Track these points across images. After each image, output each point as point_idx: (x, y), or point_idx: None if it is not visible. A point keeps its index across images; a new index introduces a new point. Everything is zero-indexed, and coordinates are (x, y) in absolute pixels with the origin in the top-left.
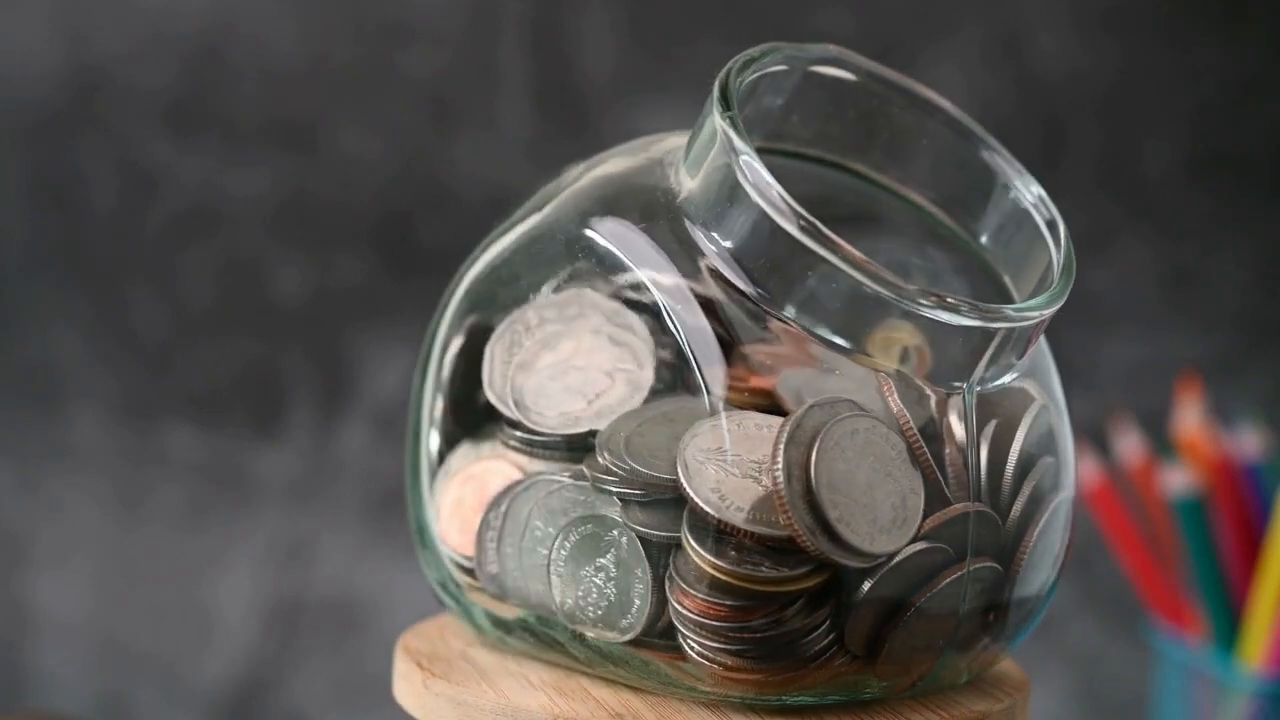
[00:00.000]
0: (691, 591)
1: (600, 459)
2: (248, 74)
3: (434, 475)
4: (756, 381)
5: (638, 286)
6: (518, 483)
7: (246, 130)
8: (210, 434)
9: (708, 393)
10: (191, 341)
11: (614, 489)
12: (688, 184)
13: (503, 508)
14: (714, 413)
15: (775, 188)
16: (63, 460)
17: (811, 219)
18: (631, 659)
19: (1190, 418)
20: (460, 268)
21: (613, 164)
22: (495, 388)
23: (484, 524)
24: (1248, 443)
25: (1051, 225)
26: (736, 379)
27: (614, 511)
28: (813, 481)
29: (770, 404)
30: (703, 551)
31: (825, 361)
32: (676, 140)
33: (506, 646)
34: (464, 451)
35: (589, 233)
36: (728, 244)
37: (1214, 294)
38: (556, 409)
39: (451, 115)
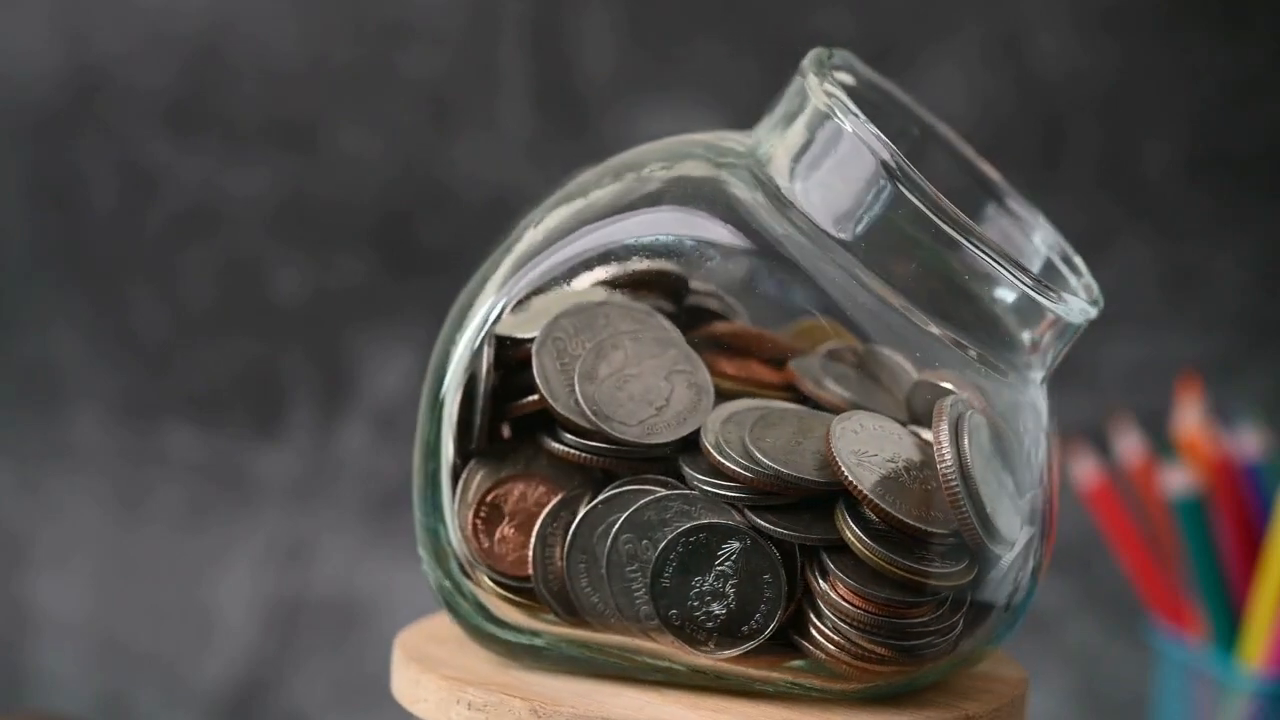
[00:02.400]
0: (859, 589)
1: (723, 465)
2: (248, 74)
3: (455, 489)
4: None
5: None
6: (578, 497)
7: (246, 130)
8: (210, 434)
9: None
10: (191, 341)
11: (742, 495)
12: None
13: (570, 524)
14: (843, 415)
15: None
16: (63, 460)
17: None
18: (714, 667)
19: (1190, 418)
20: (488, 272)
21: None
22: (560, 398)
23: (540, 541)
24: (1248, 443)
25: (1069, 261)
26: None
27: (728, 518)
28: (974, 477)
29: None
30: (876, 548)
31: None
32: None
33: (521, 658)
34: (487, 467)
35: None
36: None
37: (1214, 294)
38: (635, 418)
39: (451, 115)
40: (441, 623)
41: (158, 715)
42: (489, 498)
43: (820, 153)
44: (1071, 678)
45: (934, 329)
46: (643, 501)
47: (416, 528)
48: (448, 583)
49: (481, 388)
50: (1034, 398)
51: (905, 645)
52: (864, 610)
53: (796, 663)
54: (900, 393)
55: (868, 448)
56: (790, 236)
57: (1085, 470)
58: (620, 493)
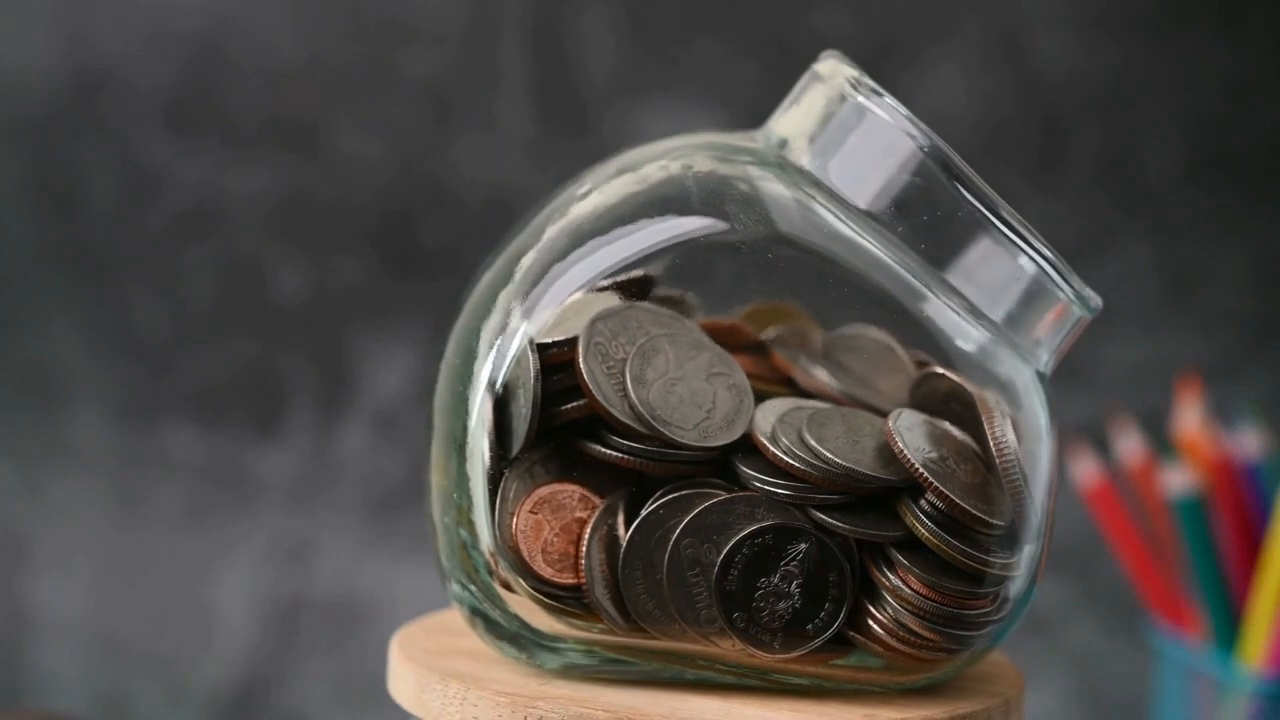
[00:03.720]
0: (932, 581)
1: (791, 465)
2: (248, 74)
3: (494, 497)
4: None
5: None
6: (623, 503)
7: (246, 130)
8: (210, 434)
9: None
10: (191, 341)
11: (807, 494)
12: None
13: (617, 530)
14: (895, 412)
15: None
16: (63, 460)
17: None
18: (769, 666)
19: (1190, 418)
20: (507, 270)
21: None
22: (614, 403)
23: (590, 548)
24: (1248, 443)
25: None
26: None
27: (791, 518)
28: (1024, 470)
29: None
30: (948, 539)
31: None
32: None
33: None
34: (525, 473)
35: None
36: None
37: (1214, 294)
38: (689, 421)
39: (451, 115)
40: (437, 620)
41: (158, 715)
42: (530, 505)
43: (848, 138)
44: (1071, 678)
45: (969, 308)
46: (705, 505)
47: (435, 537)
48: (475, 592)
49: (530, 394)
50: (1044, 389)
51: (962, 635)
52: (933, 601)
53: (845, 659)
54: (890, 378)
55: (923, 443)
56: (830, 225)
57: (1085, 470)
58: (679, 497)
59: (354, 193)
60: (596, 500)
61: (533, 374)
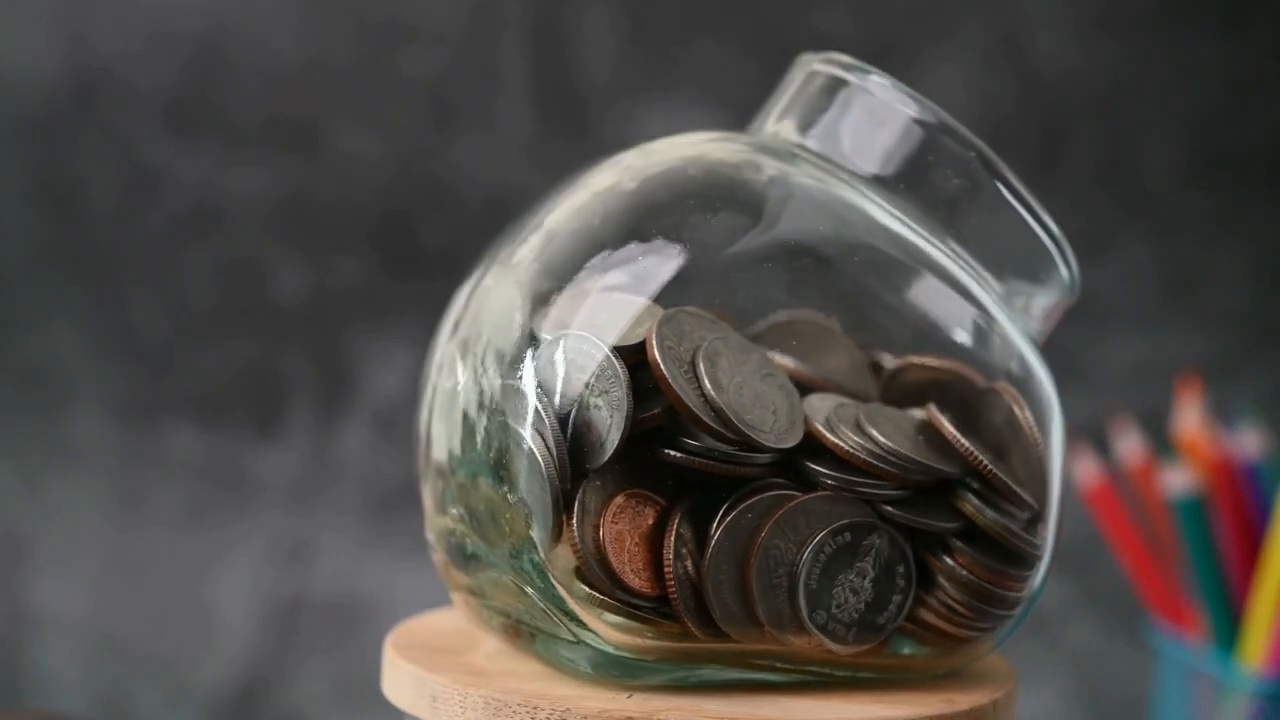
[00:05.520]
0: (992, 566)
1: (869, 463)
2: (248, 74)
3: (572, 510)
4: None
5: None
6: (698, 508)
7: (246, 130)
8: (210, 434)
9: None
10: (191, 341)
11: (878, 490)
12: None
13: (695, 535)
14: (932, 405)
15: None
16: (63, 460)
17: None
18: (838, 661)
19: (1190, 418)
20: (561, 273)
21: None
22: (697, 406)
23: (677, 555)
24: (1248, 443)
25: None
26: None
27: (862, 514)
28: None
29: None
30: (1005, 524)
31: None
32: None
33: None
34: (600, 482)
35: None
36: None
37: (1214, 294)
38: (765, 423)
39: (451, 115)
40: (432, 619)
41: (158, 715)
42: (610, 516)
43: (846, 117)
44: (1071, 678)
45: (984, 279)
46: (791, 505)
47: (481, 555)
48: (536, 608)
49: (620, 403)
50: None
51: (1001, 615)
52: (987, 584)
53: (891, 648)
54: (836, 358)
55: (962, 433)
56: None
57: (1085, 470)
58: (764, 498)
59: (354, 193)
60: (661, 506)
61: (624, 383)
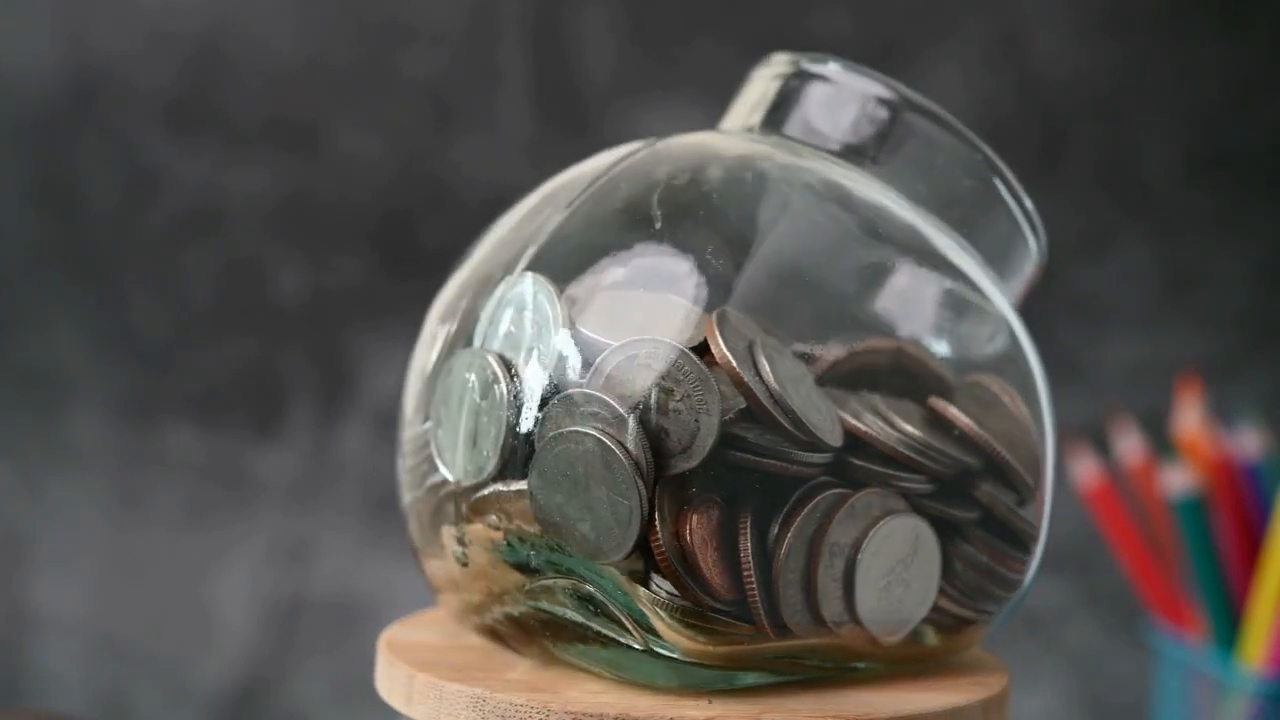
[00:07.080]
0: (1007, 552)
1: (914, 459)
2: (248, 74)
3: (652, 519)
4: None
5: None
6: (762, 509)
7: (246, 130)
8: (210, 434)
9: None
10: (191, 341)
11: (917, 484)
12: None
13: (784, 535)
14: (944, 403)
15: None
16: (63, 460)
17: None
18: (871, 653)
19: (1190, 418)
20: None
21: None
22: (769, 404)
23: (754, 558)
24: (1248, 443)
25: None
26: None
27: (904, 507)
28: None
29: None
30: (1018, 511)
31: None
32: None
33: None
34: (669, 490)
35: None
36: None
37: (1214, 294)
38: (825, 422)
39: (451, 115)
40: (427, 619)
41: (158, 715)
42: (693, 519)
43: (822, 105)
44: (1071, 678)
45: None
46: (852, 501)
47: (542, 570)
48: (602, 615)
49: (710, 404)
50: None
51: (1006, 598)
52: (999, 569)
53: (916, 637)
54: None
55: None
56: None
57: (1085, 470)
58: (828, 496)
59: (354, 193)
60: (720, 507)
61: (711, 385)
